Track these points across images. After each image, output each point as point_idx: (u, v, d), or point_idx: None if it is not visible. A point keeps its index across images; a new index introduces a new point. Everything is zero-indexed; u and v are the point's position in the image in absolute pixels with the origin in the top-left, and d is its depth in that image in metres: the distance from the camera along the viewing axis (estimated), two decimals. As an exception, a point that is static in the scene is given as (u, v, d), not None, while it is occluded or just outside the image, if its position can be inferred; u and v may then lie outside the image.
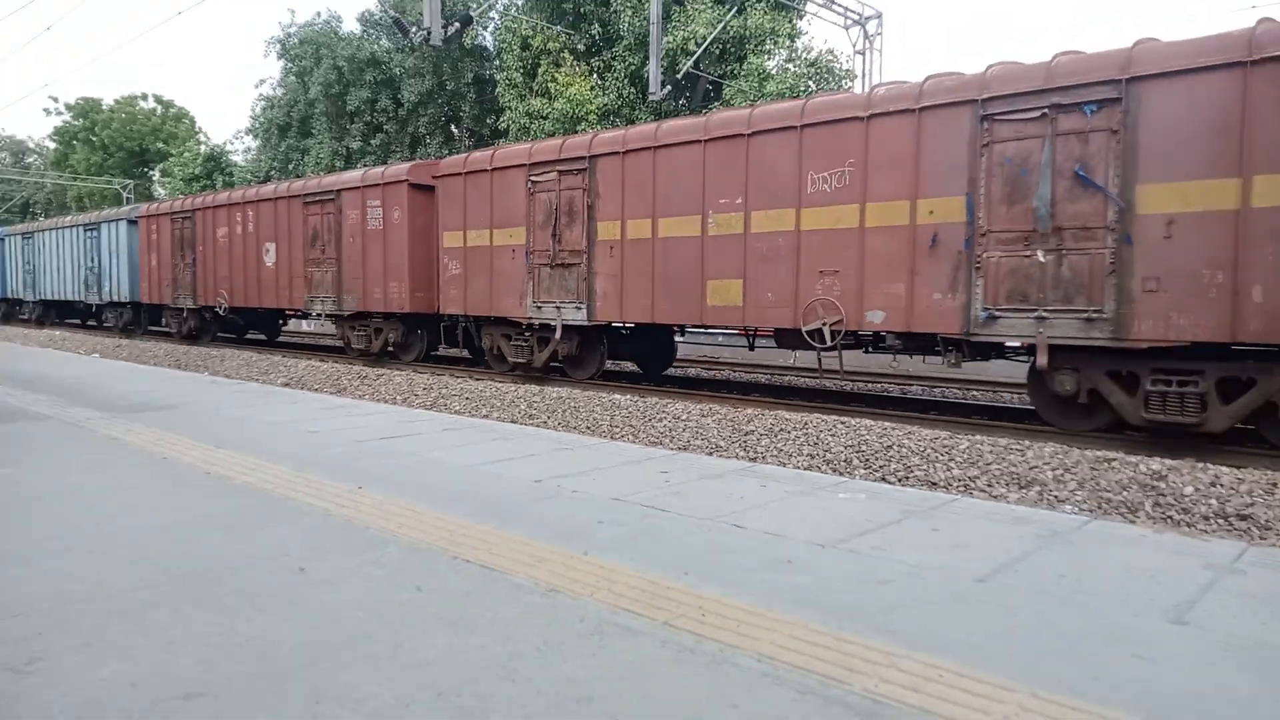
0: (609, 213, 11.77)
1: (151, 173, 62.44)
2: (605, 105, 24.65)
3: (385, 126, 32.03)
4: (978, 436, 7.67)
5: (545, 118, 24.75)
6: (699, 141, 10.76)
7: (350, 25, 40.13)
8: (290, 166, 35.35)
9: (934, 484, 6.38)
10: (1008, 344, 8.86)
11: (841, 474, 6.65)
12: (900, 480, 6.51)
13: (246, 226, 18.53)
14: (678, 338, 14.35)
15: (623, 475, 5.46)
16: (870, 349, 10.10)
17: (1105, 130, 7.75)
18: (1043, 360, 8.20)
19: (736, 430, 8.23)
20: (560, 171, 12.31)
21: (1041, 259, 8.12)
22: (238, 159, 42.95)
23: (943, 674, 2.62)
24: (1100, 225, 7.80)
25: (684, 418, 8.91)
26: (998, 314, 8.41)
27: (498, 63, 29.21)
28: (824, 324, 9.53)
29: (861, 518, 4.48)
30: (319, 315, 17.43)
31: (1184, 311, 7.41)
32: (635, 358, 14.20)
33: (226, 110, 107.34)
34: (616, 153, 11.64)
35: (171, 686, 2.49)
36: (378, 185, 15.15)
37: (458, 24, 18.03)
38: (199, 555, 3.72)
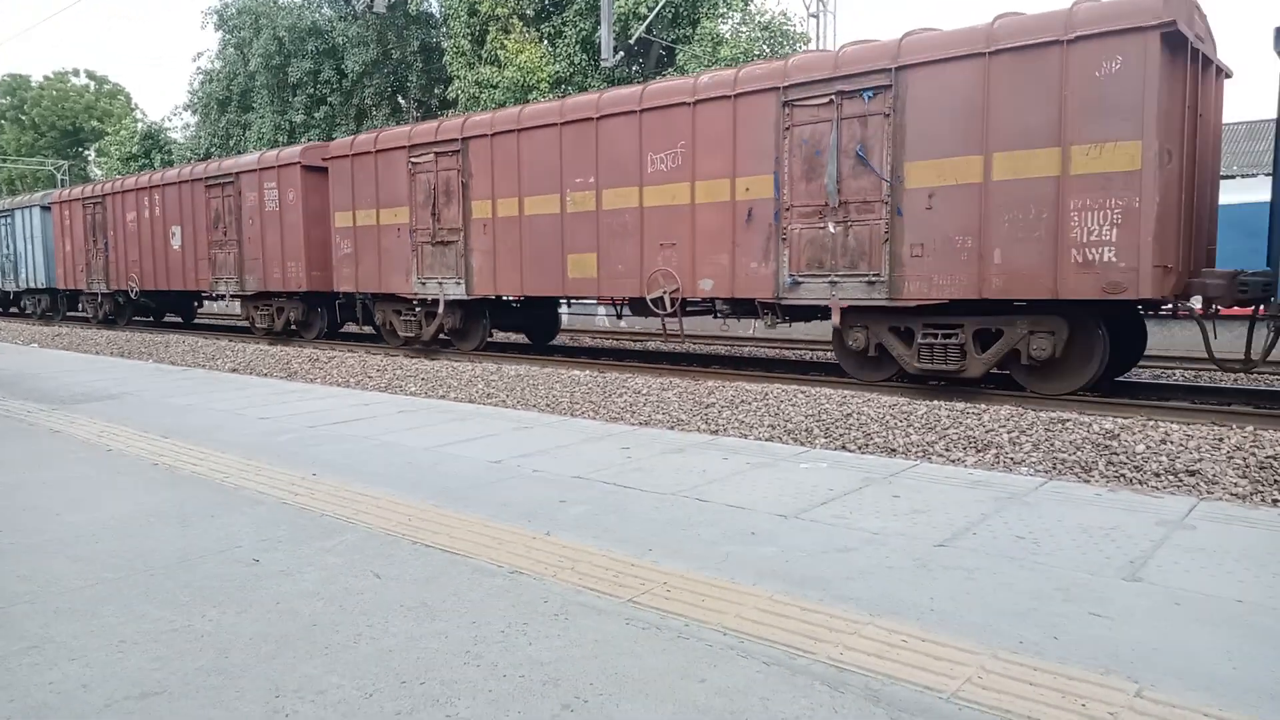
0: (481, 192, 12.43)
1: (87, 152, 60.27)
2: (557, 73, 24.27)
3: (329, 98, 31.21)
4: (935, 401, 7.77)
5: (495, 86, 24.30)
6: (556, 124, 11.47)
7: (290, -6, 38.88)
8: (231, 142, 34.31)
9: (893, 450, 6.45)
10: (815, 305, 9.68)
11: (802, 444, 6.70)
12: (860, 448, 6.57)
13: (153, 210, 18.83)
14: (561, 309, 15.13)
15: (584, 453, 5.43)
16: (716, 315, 10.96)
17: (880, 114, 8.71)
18: (836, 320, 9.30)
19: (698, 403, 8.23)
20: (437, 153, 12.91)
21: (832, 230, 9.14)
22: (176, 136, 41.55)
23: (905, 639, 2.64)
24: (877, 199, 8.82)
25: (644, 392, 8.89)
26: (800, 280, 9.42)
27: (445, 30, 28.55)
28: (664, 292, 10.50)
29: (823, 487, 4.51)
30: (223, 296, 17.85)
31: (943, 273, 8.47)
32: (522, 329, 14.98)
33: (164, 85, 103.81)
34: (485, 135, 12.26)
35: (125, 687, 2.42)
36: (273, 168, 15.56)
37: (401, -9, 17.55)
38: (149, 550, 3.61)
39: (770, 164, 9.50)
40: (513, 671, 2.47)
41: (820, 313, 9.79)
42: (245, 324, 18.09)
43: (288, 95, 32.12)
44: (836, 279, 9.12)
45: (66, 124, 59.50)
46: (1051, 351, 8.14)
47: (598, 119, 11.04)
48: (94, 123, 58.55)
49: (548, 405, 8.72)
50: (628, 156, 10.76)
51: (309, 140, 27.46)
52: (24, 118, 59.58)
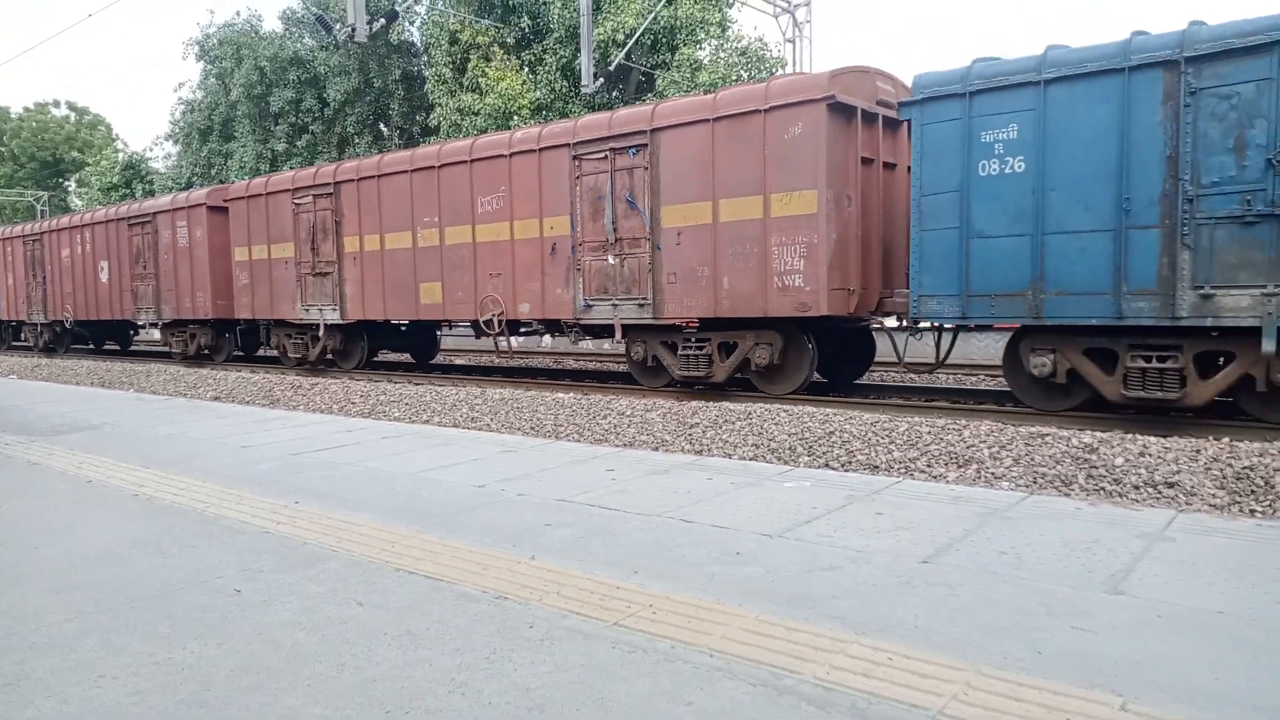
0: (351, 229, 14.28)
1: (67, 183, 59.92)
2: (538, 99, 24.41)
3: (311, 127, 31.21)
4: (916, 418, 7.82)
5: (477, 113, 24.39)
6: (407, 171, 13.27)
7: (271, 24, 39.08)
8: (213, 171, 34.22)
9: (875, 468, 6.47)
10: (604, 324, 11.36)
11: (786, 462, 6.71)
12: (843, 466, 6.58)
13: (85, 247, 20.75)
14: (440, 332, 17.02)
15: (568, 475, 5.42)
16: (555, 335, 12.51)
17: (642, 167, 10.51)
18: (619, 336, 11.12)
19: (681, 424, 8.24)
20: (315, 195, 14.79)
21: (612, 261, 10.93)
22: (158, 166, 41.40)
23: (891, 657, 2.65)
24: (643, 236, 10.60)
25: (628, 413, 8.89)
26: (591, 303, 11.22)
27: (426, 58, 28.69)
28: (493, 315, 12.32)
29: (807, 505, 4.52)
30: (143, 324, 19.77)
31: (690, 297, 10.24)
32: (407, 350, 16.82)
33: (146, 116, 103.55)
34: (353, 180, 14.11)
35: (102, 723, 2.38)
36: (184, 208, 17.54)
37: (383, 19, 17.72)
38: (128, 581, 3.57)
39: (567, 206, 11.29)
40: (498, 699, 2.45)
41: (610, 330, 11.36)
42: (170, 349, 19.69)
43: (269, 124, 32.10)
44: (617, 302, 10.93)
45: (47, 155, 59.17)
46: (770, 359, 9.88)
47: (439, 167, 12.82)
48: (75, 153, 58.24)
49: (532, 428, 8.70)
50: (463, 199, 12.55)
51: (291, 168, 27.47)
52: (3, 149, 59.21)
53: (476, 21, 25.16)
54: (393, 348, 16.40)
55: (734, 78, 23.03)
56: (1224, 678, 2.48)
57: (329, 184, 14.49)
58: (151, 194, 34.61)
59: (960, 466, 6.28)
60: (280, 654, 2.79)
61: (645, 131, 10.40)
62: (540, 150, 11.50)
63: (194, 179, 34.55)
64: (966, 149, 8.28)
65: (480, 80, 24.80)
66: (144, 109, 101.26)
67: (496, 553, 3.80)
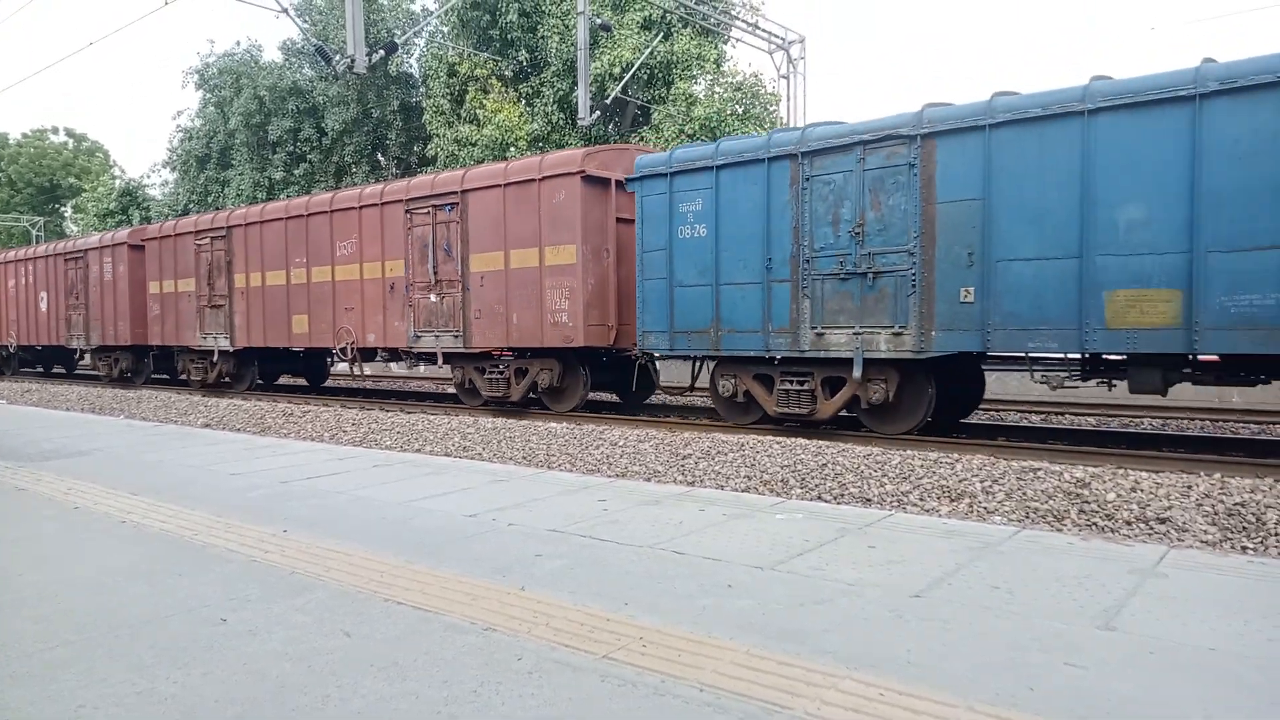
0: (240, 267, 16.49)
1: (63, 209, 60.02)
2: (534, 131, 24.62)
3: (309, 156, 31.38)
4: (909, 451, 7.81)
5: (474, 144, 24.58)
6: (283, 219, 15.50)
7: (271, 54, 39.44)
8: (210, 199, 34.32)
9: (868, 500, 6.46)
10: (430, 353, 13.26)
11: (779, 494, 6.69)
12: (836, 498, 6.57)
13: (27, 279, 22.88)
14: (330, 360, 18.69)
15: (560, 505, 5.39)
16: (397, 361, 14.46)
17: (455, 221, 12.62)
18: (440, 362, 13.18)
19: (674, 454, 8.22)
20: (212, 238, 17.01)
21: (435, 299, 12.93)
22: (155, 193, 41.49)
23: (883, 693, 2.62)
24: (457, 279, 12.63)
25: (620, 444, 8.87)
26: (420, 334, 13.19)
27: (424, 90, 28.95)
28: (347, 343, 14.32)
29: (799, 538, 4.50)
30: (76, 349, 21.72)
31: (491, 330, 12.22)
32: (302, 374, 18.80)
33: (143, 143, 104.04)
34: (242, 225, 16.41)
35: (81, 755, 2.34)
36: (109, 246, 19.75)
37: (382, 51, 17.85)
38: (113, 609, 3.52)
39: (402, 251, 13.33)
40: (485, 731, 2.42)
41: (434, 357, 13.11)
42: (121, 375, 20.98)
43: (267, 153, 32.27)
44: (439, 333, 12.87)
45: (44, 180, 59.32)
46: (551, 382, 11.83)
47: (307, 216, 14.97)
48: (72, 179, 58.41)
49: (524, 458, 8.67)
50: (324, 244, 14.65)
51: (288, 196, 27.58)
52: (1, 174, 59.35)
53: (475, 54, 25.44)
54: (291, 372, 18.51)
55: (729, 112, 23.29)
56: (1217, 715, 2.46)
57: (223, 228, 16.70)
58: (148, 220, 34.71)
59: (953, 500, 6.27)
60: (265, 684, 2.76)
61: (458, 192, 12.43)
62: (382, 204, 13.56)
63: (190, 206, 34.62)
64: (670, 216, 10.33)
65: (478, 112, 25.03)
66: (140, 131, 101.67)
67: (486, 583, 3.77)
